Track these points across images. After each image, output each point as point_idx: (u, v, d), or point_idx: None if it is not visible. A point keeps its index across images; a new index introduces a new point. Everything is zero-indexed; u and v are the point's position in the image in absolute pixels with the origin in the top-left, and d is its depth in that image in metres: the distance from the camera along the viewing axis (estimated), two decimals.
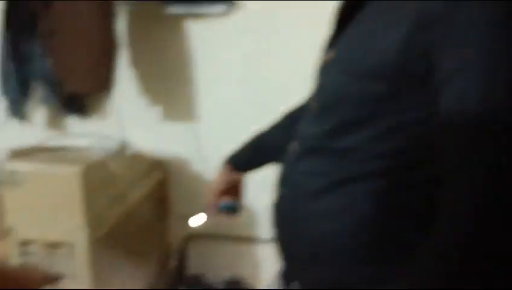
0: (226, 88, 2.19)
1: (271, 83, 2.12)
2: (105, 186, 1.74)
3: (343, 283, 1.01)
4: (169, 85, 2.23)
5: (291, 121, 1.34)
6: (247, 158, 1.42)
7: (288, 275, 1.20)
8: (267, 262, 2.32)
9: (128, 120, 2.12)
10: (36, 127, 2.32)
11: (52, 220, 1.62)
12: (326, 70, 1.08)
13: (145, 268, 2.10)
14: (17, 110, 2.18)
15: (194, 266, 2.38)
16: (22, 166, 1.61)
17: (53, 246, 1.65)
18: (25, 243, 1.65)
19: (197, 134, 2.24)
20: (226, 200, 1.40)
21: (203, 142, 2.25)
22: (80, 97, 2.20)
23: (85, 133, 2.04)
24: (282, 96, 1.86)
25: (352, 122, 0.97)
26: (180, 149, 2.27)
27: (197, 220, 1.43)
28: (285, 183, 1.15)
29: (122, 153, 1.93)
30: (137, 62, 2.19)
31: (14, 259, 1.67)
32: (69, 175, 1.58)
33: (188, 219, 1.45)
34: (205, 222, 1.44)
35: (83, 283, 1.67)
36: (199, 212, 1.42)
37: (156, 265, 2.20)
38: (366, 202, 0.96)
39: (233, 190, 1.43)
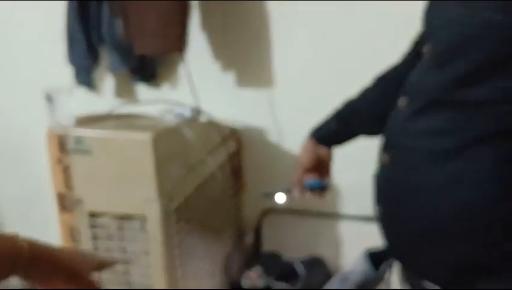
0: (305, 52, 2.00)
1: (356, 46, 1.92)
2: (178, 155, 1.61)
3: (472, 265, 0.83)
4: (244, 49, 2.06)
5: (388, 84, 1.17)
6: (334, 130, 1.25)
7: (389, 257, 1.04)
8: (349, 240, 2.16)
9: (200, 86, 1.96)
10: (105, 95, 2.23)
11: (123, 191, 1.51)
12: (445, 8, 0.88)
13: (219, 244, 1.98)
14: (85, 77, 2.08)
15: (269, 243, 2.23)
16: (90, 133, 1.49)
17: (124, 218, 1.54)
18: (94, 215, 1.56)
19: (273, 102, 2.08)
20: (312, 179, 1.26)
21: (279, 111, 2.09)
22: (150, 63, 2.09)
23: (156, 100, 1.92)
24: (369, 60, 1.68)
25: (491, 67, 0.78)
26: (255, 118, 2.12)
27: (281, 198, 1.30)
28: (393, 147, 0.97)
29: (195, 121, 1.80)
30: (210, 25, 2.03)
31: (84, 232, 1.58)
32: (140, 142, 1.46)
33: (263, 193, 1.32)
34: (290, 201, 1.30)
35: (156, 258, 1.56)
36: (281, 189, 1.29)
37: (230, 241, 2.08)
38: (509, 163, 0.77)
39: (320, 167, 1.27)
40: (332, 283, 1.98)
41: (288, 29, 1.99)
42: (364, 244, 1.98)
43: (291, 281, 2.05)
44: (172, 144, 1.58)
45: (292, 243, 2.21)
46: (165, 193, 1.51)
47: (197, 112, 1.83)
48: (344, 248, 2.18)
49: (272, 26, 2.00)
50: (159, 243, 1.54)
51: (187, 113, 1.78)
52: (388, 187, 0.98)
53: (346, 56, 1.93)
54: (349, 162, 1.65)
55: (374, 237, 2.00)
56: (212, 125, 1.88)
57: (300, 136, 1.30)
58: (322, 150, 1.27)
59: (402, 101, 0.96)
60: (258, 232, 2.20)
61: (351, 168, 1.79)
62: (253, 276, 2.03)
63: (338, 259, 2.19)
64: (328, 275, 2.10)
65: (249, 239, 2.19)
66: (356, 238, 2.09)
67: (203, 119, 1.86)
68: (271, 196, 1.31)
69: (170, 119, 1.72)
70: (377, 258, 1.90)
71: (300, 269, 2.08)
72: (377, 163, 1.04)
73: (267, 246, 2.23)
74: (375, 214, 1.05)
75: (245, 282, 2.02)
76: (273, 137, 2.12)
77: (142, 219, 1.52)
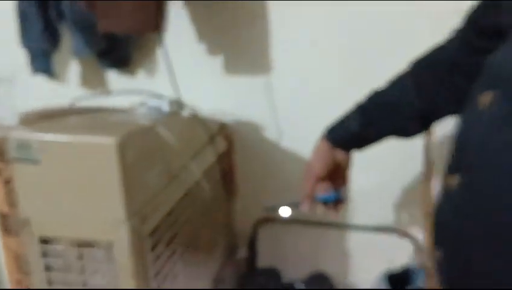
0: (309, 32, 1.70)
1: (368, 28, 1.62)
2: (154, 162, 1.29)
3: None
4: (235, 29, 1.75)
5: (431, 69, 0.95)
6: (355, 130, 1.06)
7: None
8: (359, 255, 1.90)
9: (182, 74, 1.65)
10: (69, 85, 1.91)
11: (82, 211, 1.19)
12: None
13: (208, 262, 1.68)
14: (43, 63, 1.75)
15: (266, 258, 1.95)
16: (37, 136, 1.16)
17: (84, 245, 1.22)
18: (46, 241, 1.23)
19: (270, 91, 1.78)
20: (325, 190, 1.09)
21: (277, 102, 1.80)
22: (121, 45, 1.77)
23: (129, 91, 1.60)
24: (386, 45, 1.55)
25: None
26: (249, 110, 1.83)
27: (286, 213, 1.17)
28: (469, 166, 0.69)
29: (176, 116, 1.49)
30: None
31: (34, 261, 1.25)
32: (103, 147, 1.13)
33: (264, 207, 1.23)
34: (297, 214, 1.14)
35: None
36: (286, 203, 1.16)
37: (220, 257, 1.78)
38: None
39: (335, 174, 1.10)
40: None
41: (289, 5, 1.68)
42: (376, 259, 1.77)
43: None
44: (146, 148, 1.26)
45: (292, 258, 1.95)
46: (136, 212, 1.19)
47: (178, 105, 1.53)
48: (353, 263, 1.92)
49: (269, 2, 1.69)
50: (130, 275, 1.22)
51: (165, 106, 1.48)
52: (457, 222, 0.71)
53: (358, 37, 1.64)
54: (360, 164, 1.43)
55: (387, 251, 1.77)
56: (197, 121, 1.57)
57: (303, 131, 1.20)
58: (339, 154, 1.09)
59: (485, 98, 0.68)
60: (252, 246, 1.92)
61: (361, 171, 1.54)
62: None
63: (346, 276, 1.92)
64: None
65: (242, 254, 1.92)
66: (367, 252, 1.85)
67: (185, 113, 1.55)
68: (274, 210, 1.18)
69: (145, 114, 1.42)
70: (396, 281, 1.62)
71: (302, 288, 1.82)
72: (440, 188, 0.75)
73: (264, 261, 1.96)
74: (433, 259, 0.77)
75: None
76: (270, 133, 1.84)
77: (108, 246, 1.20)
